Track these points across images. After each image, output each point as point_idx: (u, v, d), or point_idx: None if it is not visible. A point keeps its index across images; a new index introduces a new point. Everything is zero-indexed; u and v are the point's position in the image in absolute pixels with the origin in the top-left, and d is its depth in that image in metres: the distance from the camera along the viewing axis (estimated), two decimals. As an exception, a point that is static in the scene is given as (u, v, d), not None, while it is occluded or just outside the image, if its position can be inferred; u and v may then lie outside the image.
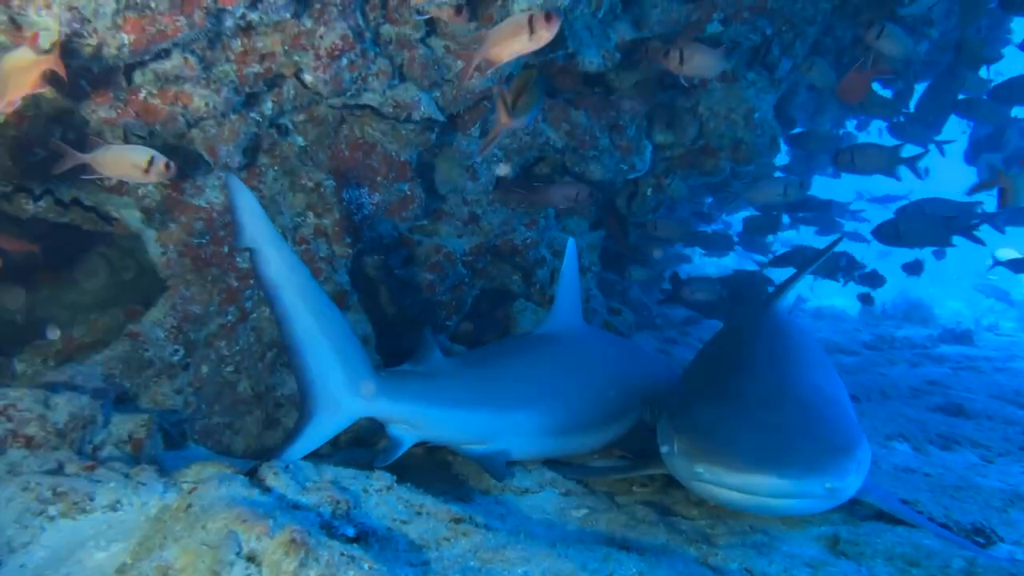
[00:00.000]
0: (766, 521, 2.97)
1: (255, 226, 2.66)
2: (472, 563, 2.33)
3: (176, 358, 3.63)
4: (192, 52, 2.80)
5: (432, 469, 3.75)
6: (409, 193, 4.38)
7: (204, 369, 3.76)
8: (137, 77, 2.79)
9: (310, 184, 3.97)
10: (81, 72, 2.57)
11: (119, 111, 2.76)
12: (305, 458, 2.96)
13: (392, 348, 4.83)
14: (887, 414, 5.54)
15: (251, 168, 3.67)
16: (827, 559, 2.65)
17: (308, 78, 3.20)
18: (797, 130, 8.26)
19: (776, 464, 2.49)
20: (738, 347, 3.52)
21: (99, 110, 2.76)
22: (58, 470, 2.56)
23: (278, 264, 2.74)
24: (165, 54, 2.70)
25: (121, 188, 3.21)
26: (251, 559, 2.06)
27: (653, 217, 7.01)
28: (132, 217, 3.38)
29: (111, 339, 3.57)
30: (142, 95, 2.77)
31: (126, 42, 2.57)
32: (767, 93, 6.08)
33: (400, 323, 5.14)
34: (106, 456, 2.91)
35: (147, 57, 2.65)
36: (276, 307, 2.77)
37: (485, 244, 5.39)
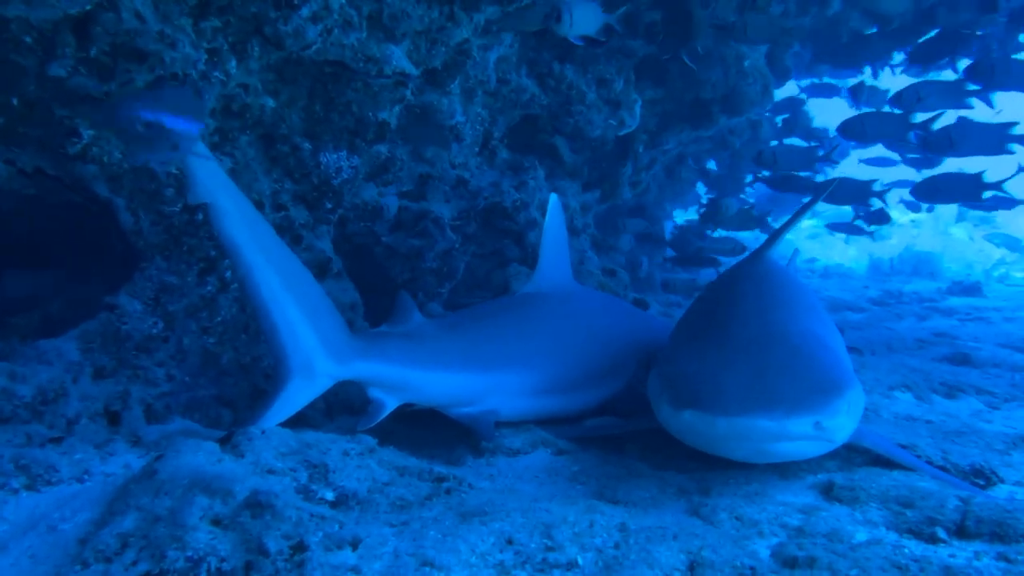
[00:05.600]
0: (762, 472, 2.90)
1: (209, 179, 2.53)
2: (452, 520, 2.27)
3: (155, 331, 3.55)
4: (143, 4, 2.68)
5: (423, 435, 3.70)
6: (389, 155, 4.27)
7: (186, 341, 3.69)
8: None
9: (286, 148, 3.87)
10: (22, 27, 2.47)
11: (69, 70, 2.65)
12: (286, 424, 2.90)
13: (382, 316, 4.76)
14: (890, 365, 5.44)
15: (222, 132, 3.56)
16: (820, 505, 2.58)
17: (269, 31, 3.08)
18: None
19: (763, 405, 2.41)
20: (728, 296, 3.43)
21: (48, 69, 2.65)
22: (26, 443, 2.50)
23: (237, 219, 2.61)
24: (111, 5, 2.58)
25: (85, 155, 3.11)
26: (215, 523, 2.00)
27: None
28: (100, 185, 3.29)
29: (88, 313, 3.50)
30: (92, 52, 2.65)
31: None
32: (758, 40, 5.89)
33: (390, 291, 5.07)
34: (81, 429, 2.86)
35: (88, 6, 2.53)
36: (239, 266, 2.66)
37: (474, 208, 5.28)
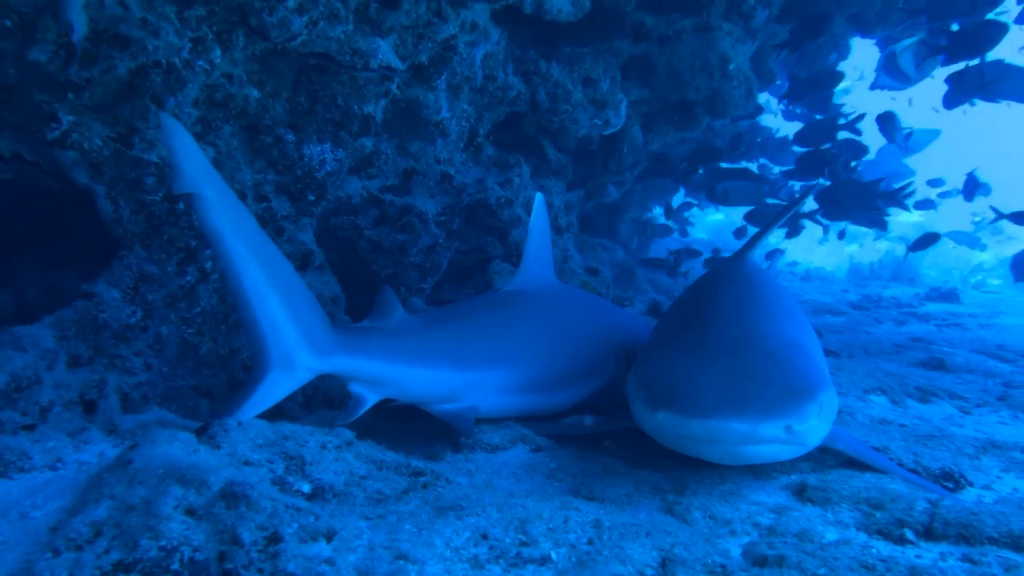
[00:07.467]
0: (737, 472, 2.93)
1: (195, 169, 2.49)
2: (427, 514, 2.27)
3: (134, 320, 3.53)
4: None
5: (403, 430, 3.69)
6: (374, 149, 4.25)
7: (164, 331, 3.67)
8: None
9: (269, 139, 3.84)
10: (2, 9, 2.44)
11: (49, 54, 2.62)
12: (264, 416, 2.88)
13: (364, 311, 4.74)
14: (867, 369, 5.49)
15: (205, 122, 3.54)
16: (793, 505, 2.61)
17: (254, 21, 3.05)
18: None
19: (735, 408, 2.43)
20: (708, 297, 3.45)
21: (27, 53, 2.62)
22: (-2, 430, 2.48)
23: (221, 210, 2.57)
24: (96, -8, 2.56)
25: (65, 141, 3.08)
26: (189, 513, 1.99)
27: None
28: (79, 172, 3.26)
29: (65, 300, 3.46)
30: (75, 37, 2.62)
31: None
32: (743, 44, 5.92)
33: (373, 285, 5.05)
34: (54, 417, 2.83)
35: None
36: (221, 257, 2.63)
37: (458, 204, 5.27)
